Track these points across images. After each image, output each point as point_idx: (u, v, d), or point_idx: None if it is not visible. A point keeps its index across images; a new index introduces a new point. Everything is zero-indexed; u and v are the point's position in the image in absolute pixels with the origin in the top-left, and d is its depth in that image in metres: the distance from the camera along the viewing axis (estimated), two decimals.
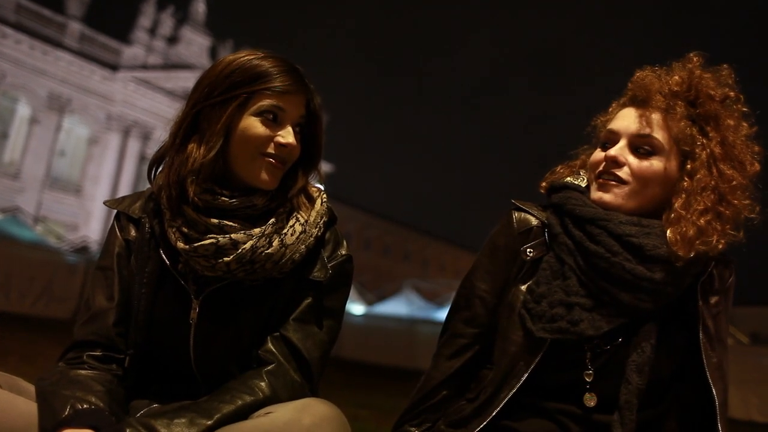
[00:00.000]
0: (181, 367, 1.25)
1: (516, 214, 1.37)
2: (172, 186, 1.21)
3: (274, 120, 1.22)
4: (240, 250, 1.17)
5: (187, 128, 1.24)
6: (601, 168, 1.30)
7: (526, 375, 1.24)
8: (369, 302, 22.31)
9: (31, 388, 1.16)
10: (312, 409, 1.04)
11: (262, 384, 1.14)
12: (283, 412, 1.04)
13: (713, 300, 1.27)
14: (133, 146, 32.16)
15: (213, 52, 36.81)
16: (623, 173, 1.27)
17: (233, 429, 1.04)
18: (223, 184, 1.23)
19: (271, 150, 1.22)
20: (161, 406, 1.21)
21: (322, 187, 1.37)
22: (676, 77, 1.30)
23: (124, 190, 31.86)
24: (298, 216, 1.26)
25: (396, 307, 20.21)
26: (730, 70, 1.32)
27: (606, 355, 1.24)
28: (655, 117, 1.27)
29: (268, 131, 1.22)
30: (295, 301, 1.25)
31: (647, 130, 1.27)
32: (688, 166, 1.26)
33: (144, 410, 1.21)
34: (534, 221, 1.35)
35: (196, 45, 35.70)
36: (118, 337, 1.25)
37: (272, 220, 1.22)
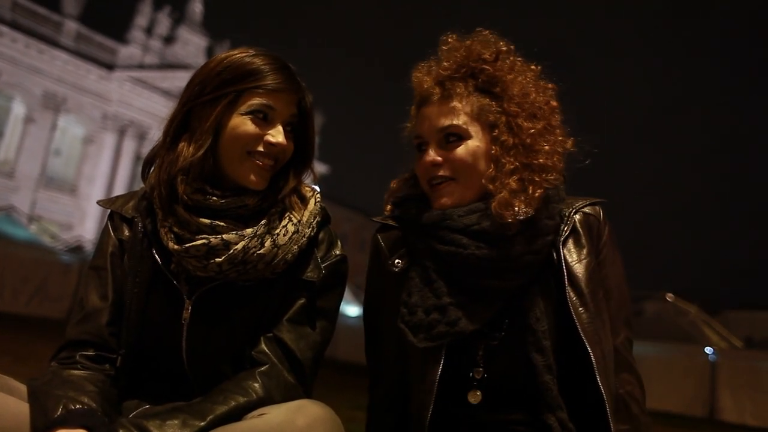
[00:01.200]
0: (173, 368, 1.24)
1: (380, 235, 1.38)
2: (162, 185, 1.20)
3: (264, 119, 1.21)
4: (231, 251, 1.16)
5: (177, 127, 1.24)
6: (427, 176, 1.30)
7: (435, 387, 1.20)
8: None
9: (22, 388, 1.15)
10: (306, 410, 1.03)
11: (256, 385, 1.13)
12: (276, 413, 1.03)
13: (579, 253, 1.24)
14: (129, 146, 32.07)
15: (210, 52, 36.72)
16: (446, 170, 1.27)
17: (226, 430, 1.03)
18: (214, 184, 1.23)
19: (260, 148, 1.21)
20: (154, 407, 1.20)
21: (317, 188, 1.35)
22: (444, 63, 1.30)
23: (119, 190, 31.74)
24: (291, 216, 1.24)
25: None
26: (488, 30, 1.32)
27: (499, 347, 1.22)
28: (444, 107, 1.27)
29: (258, 130, 1.21)
30: (289, 301, 1.24)
31: (443, 122, 1.27)
32: (495, 133, 1.26)
33: (136, 411, 1.20)
34: (397, 231, 1.35)
35: (192, 45, 35.65)
36: (111, 337, 1.24)
37: (264, 220, 1.21)
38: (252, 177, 1.22)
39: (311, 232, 1.26)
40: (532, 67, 1.30)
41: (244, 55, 1.22)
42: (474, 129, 1.26)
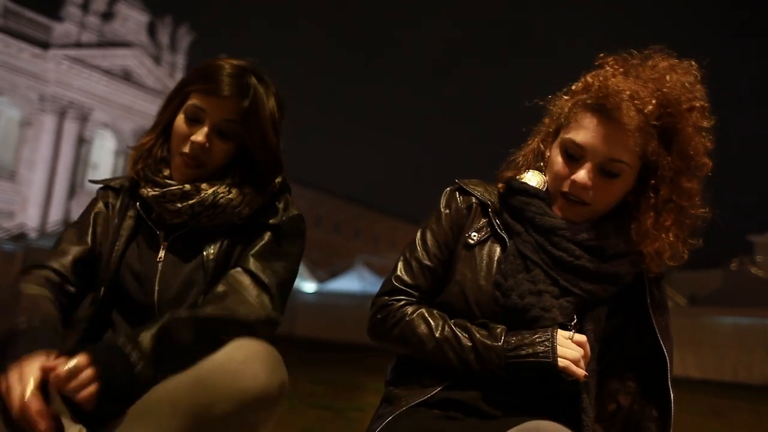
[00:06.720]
0: (145, 306, 1.34)
1: (459, 195, 1.41)
2: (133, 164, 1.39)
3: (195, 120, 1.33)
4: (202, 194, 1.32)
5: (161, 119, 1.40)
6: (566, 189, 1.28)
7: None
8: (321, 279, 22.29)
9: None
10: (245, 347, 1.08)
11: (223, 293, 1.25)
12: (217, 354, 1.08)
13: (656, 272, 1.34)
14: (70, 128, 30.93)
15: (151, 28, 35.51)
16: (588, 196, 1.26)
17: (171, 381, 1.07)
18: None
19: (185, 149, 1.33)
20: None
21: None
22: (647, 96, 1.21)
23: (62, 174, 30.64)
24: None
25: (348, 283, 20.29)
26: (691, 65, 1.27)
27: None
28: (626, 139, 1.21)
29: (186, 130, 1.33)
30: (254, 241, 1.36)
31: (617, 154, 1.22)
32: (652, 181, 1.26)
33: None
34: (474, 201, 1.39)
35: (132, 21, 34.38)
36: (73, 275, 1.34)
37: (229, 179, 1.36)
38: (177, 174, 1.35)
39: (273, 189, 1.40)
40: (705, 124, 1.25)
41: (216, 61, 1.35)
42: (633, 168, 1.25)
